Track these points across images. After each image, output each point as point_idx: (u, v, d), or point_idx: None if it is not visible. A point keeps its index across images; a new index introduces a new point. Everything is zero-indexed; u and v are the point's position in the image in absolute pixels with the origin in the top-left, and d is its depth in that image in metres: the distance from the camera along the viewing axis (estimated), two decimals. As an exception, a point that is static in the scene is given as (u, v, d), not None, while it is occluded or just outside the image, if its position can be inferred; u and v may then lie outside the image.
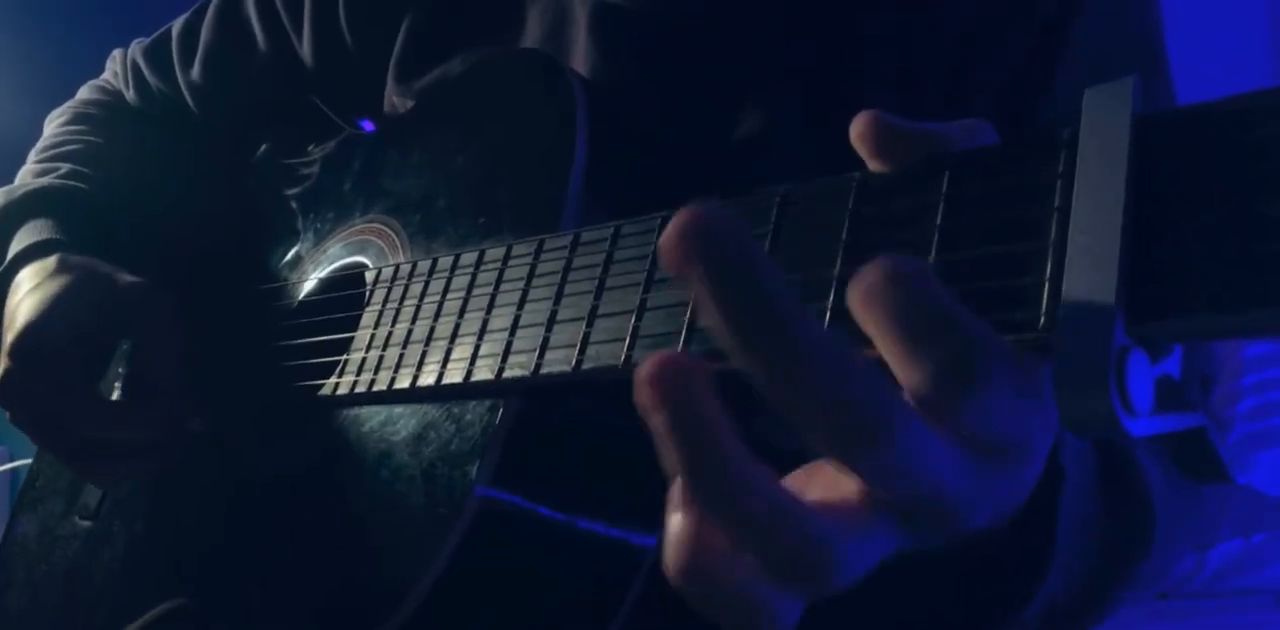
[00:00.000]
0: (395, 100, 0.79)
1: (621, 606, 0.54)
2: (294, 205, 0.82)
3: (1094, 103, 0.32)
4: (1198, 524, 0.58)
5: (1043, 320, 0.31)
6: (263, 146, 0.91)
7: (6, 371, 0.69)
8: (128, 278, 0.73)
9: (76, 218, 0.82)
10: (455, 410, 0.54)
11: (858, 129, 0.37)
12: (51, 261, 0.75)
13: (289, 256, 0.79)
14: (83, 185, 0.86)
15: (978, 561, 0.43)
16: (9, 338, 0.70)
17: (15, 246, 0.79)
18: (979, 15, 0.61)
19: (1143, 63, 0.63)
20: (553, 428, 0.53)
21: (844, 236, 0.38)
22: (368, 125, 0.84)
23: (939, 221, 0.35)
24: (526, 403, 0.52)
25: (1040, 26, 0.60)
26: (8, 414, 0.70)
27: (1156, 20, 0.64)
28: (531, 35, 0.71)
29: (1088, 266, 0.30)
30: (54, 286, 0.72)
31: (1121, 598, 0.50)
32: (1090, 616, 0.50)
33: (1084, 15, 0.60)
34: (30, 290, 0.73)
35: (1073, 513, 0.43)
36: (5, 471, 1.56)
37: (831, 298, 0.37)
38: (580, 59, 0.68)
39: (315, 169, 0.83)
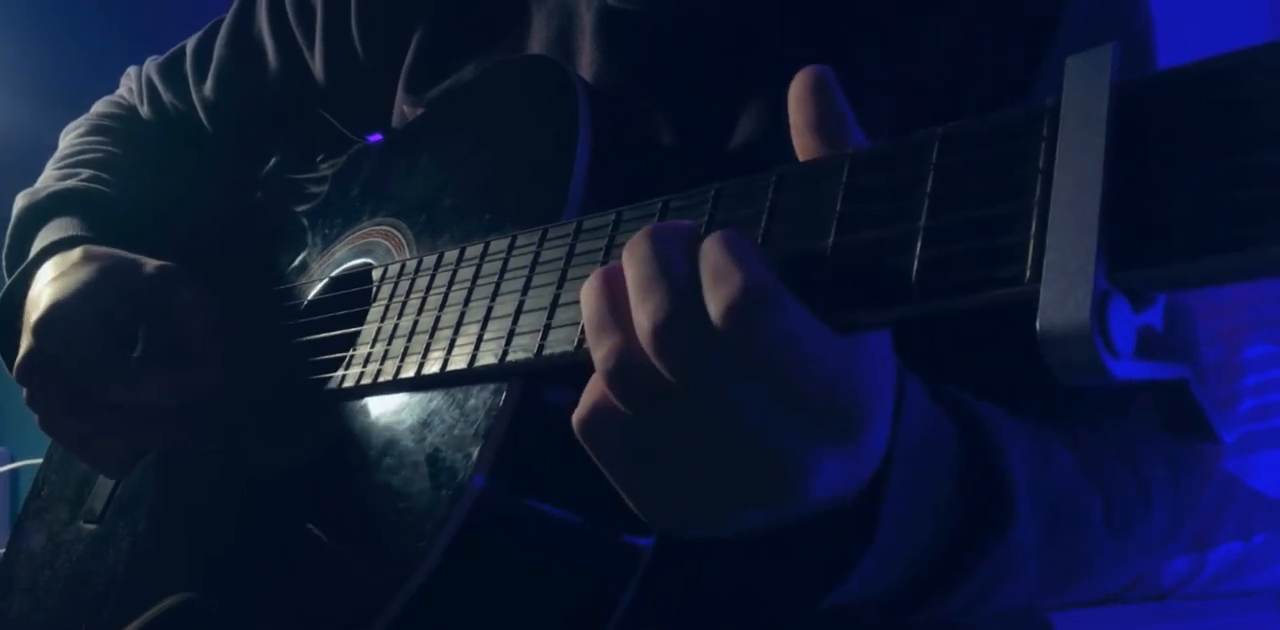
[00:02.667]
0: (406, 110, 0.81)
1: (620, 600, 0.54)
2: (302, 216, 0.84)
3: (1075, 70, 0.34)
4: (1138, 522, 0.60)
5: (1028, 274, 0.32)
6: (272, 160, 0.93)
7: (30, 349, 0.69)
8: (154, 262, 0.75)
9: (99, 217, 0.84)
10: (459, 396, 0.55)
11: (803, 86, 0.41)
12: (75, 253, 0.76)
13: (297, 262, 0.81)
14: (105, 189, 0.87)
15: (807, 538, 0.46)
16: (33, 317, 0.71)
17: (39, 243, 0.81)
18: (975, 16, 0.62)
19: (1132, 62, 0.65)
20: (554, 415, 0.54)
21: (838, 207, 0.39)
22: (376, 138, 0.86)
23: (929, 188, 0.37)
24: (530, 389, 0.52)
25: (1030, 27, 0.62)
26: (24, 394, 0.71)
27: (1147, 22, 0.66)
28: (538, 40, 0.73)
29: (1070, 220, 0.31)
30: (81, 273, 0.73)
31: (979, 578, 0.52)
32: (945, 592, 0.52)
33: (1066, 22, 0.62)
34: (55, 278, 0.74)
35: (900, 502, 0.46)
36: (5, 472, 1.56)
37: (828, 267, 0.38)
38: (586, 63, 0.70)
39: (323, 182, 0.84)
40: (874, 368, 0.39)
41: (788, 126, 0.65)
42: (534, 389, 0.52)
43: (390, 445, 0.57)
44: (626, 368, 0.39)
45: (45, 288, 0.74)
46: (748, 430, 0.38)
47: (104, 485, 0.82)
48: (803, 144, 0.42)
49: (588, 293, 0.42)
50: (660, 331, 0.38)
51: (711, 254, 0.38)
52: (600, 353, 0.40)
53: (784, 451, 0.38)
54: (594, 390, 0.42)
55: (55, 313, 0.70)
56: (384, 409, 0.60)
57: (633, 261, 0.40)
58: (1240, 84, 0.30)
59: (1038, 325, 0.31)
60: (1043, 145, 0.34)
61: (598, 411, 0.41)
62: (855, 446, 0.39)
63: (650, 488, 0.42)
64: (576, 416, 0.42)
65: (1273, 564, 1.49)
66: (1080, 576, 0.59)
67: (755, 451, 0.38)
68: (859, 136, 0.42)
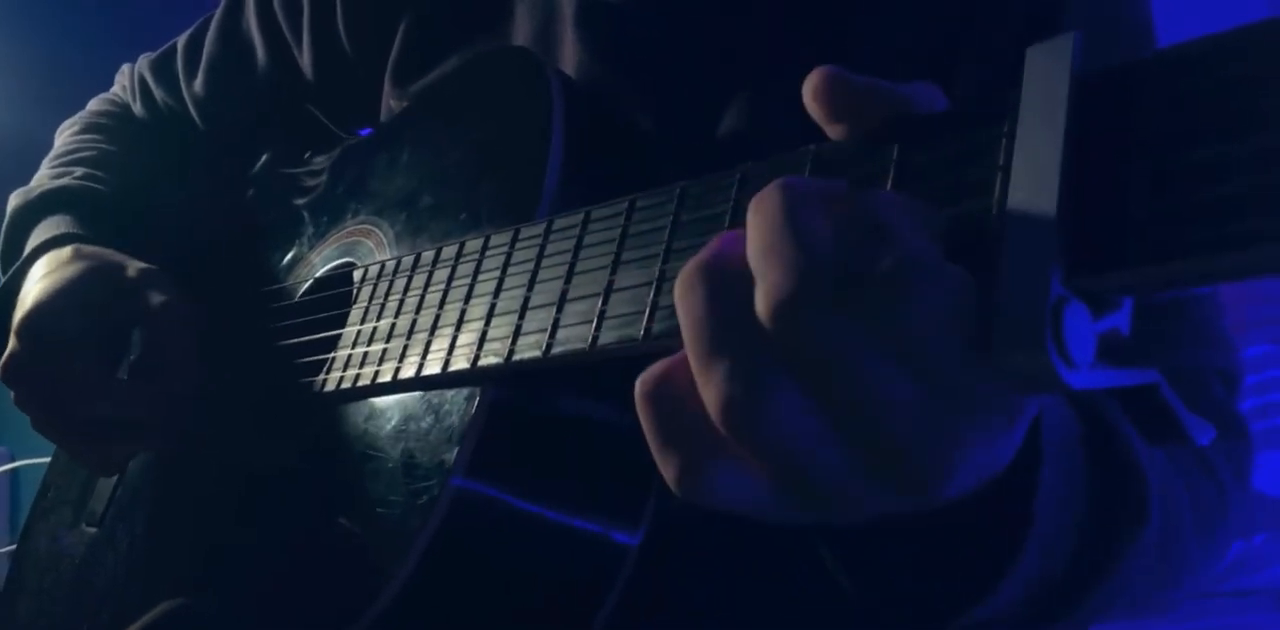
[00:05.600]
0: (393, 104, 0.80)
1: (606, 601, 0.53)
2: (292, 212, 0.83)
3: (1035, 61, 0.32)
4: (1217, 515, 0.57)
5: (989, 278, 0.31)
6: (263, 156, 0.93)
7: (14, 351, 0.69)
8: (140, 264, 0.74)
9: (93, 216, 0.83)
10: (434, 401, 0.54)
11: (810, 87, 0.36)
12: (66, 251, 0.76)
13: (287, 261, 0.80)
14: (98, 187, 0.87)
15: (953, 536, 0.42)
16: (17, 317, 0.70)
17: (32, 242, 0.80)
18: (965, 11, 0.61)
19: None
20: (531, 418, 0.53)
21: (798, 207, 0.38)
22: (366, 133, 0.85)
23: (889, 187, 0.35)
24: (504, 392, 0.52)
25: (1024, 22, 0.60)
26: (11, 395, 0.71)
27: (1148, 18, 0.64)
28: (521, 33, 0.72)
29: (1026, 221, 0.30)
30: (67, 272, 0.73)
31: (1124, 576, 0.48)
32: (1089, 597, 0.48)
33: (1069, 13, 0.60)
34: (43, 276, 0.74)
35: (1053, 487, 0.42)
36: (5, 471, 1.57)
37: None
38: (568, 56, 0.68)
39: (313, 178, 0.84)
40: None
41: (771, 120, 0.64)
42: (507, 393, 0.52)
43: (370, 450, 0.57)
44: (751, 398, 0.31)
45: (33, 286, 0.74)
46: (889, 422, 0.31)
47: (104, 487, 0.83)
48: (833, 132, 0.38)
49: (686, 294, 0.34)
50: (783, 306, 0.31)
51: (867, 214, 0.32)
52: (711, 387, 0.32)
53: (929, 442, 0.31)
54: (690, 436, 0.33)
55: (36, 313, 0.70)
56: (364, 413, 0.59)
57: (760, 220, 0.33)
58: (1207, 72, 0.29)
59: (990, 333, 0.29)
60: (1003, 141, 0.32)
61: (710, 463, 0.33)
62: (1000, 435, 0.32)
63: (772, 512, 0.34)
64: (671, 475, 0.33)
65: (1273, 563, 1.47)
66: (1174, 580, 0.55)
67: (895, 442, 0.31)
68: (904, 92, 0.36)
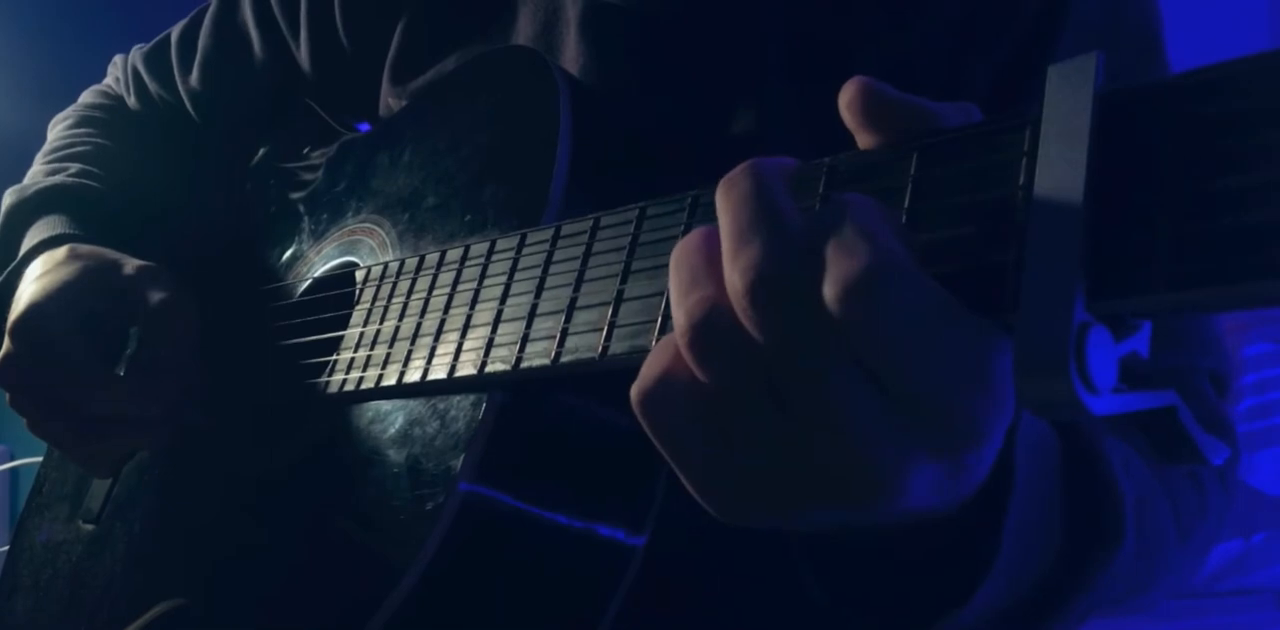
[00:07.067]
0: (391, 102, 0.80)
1: (610, 605, 0.53)
2: (291, 208, 0.82)
3: (1057, 80, 0.32)
4: (1198, 522, 0.58)
5: (1009, 301, 0.31)
6: (260, 151, 0.92)
7: (8, 353, 0.69)
8: (137, 261, 0.73)
9: (88, 214, 0.82)
10: (440, 406, 0.54)
11: (846, 97, 0.36)
12: (61, 251, 0.75)
13: (285, 258, 0.79)
14: (94, 184, 0.86)
15: (919, 553, 0.42)
16: (11, 319, 0.70)
17: (28, 242, 0.79)
18: (970, 13, 0.61)
19: (1142, 58, 0.63)
20: (538, 423, 0.53)
21: (814, 221, 0.37)
22: (364, 128, 0.84)
23: (906, 204, 0.35)
24: (511, 397, 0.51)
25: (1030, 24, 0.60)
26: (7, 397, 0.70)
27: (1156, 17, 0.64)
28: (523, 34, 0.71)
29: (1049, 244, 0.30)
30: (63, 272, 0.72)
31: (1097, 591, 0.49)
32: (1060, 608, 0.49)
33: (1074, 12, 0.60)
34: (38, 277, 0.73)
35: (1024, 509, 0.42)
36: (5, 470, 1.56)
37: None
38: (571, 57, 0.68)
39: (311, 173, 0.83)
40: (1005, 378, 0.32)
41: (779, 120, 0.64)
42: (513, 400, 0.51)
43: (374, 454, 0.57)
44: (712, 325, 0.33)
45: (27, 287, 0.73)
46: (838, 423, 0.32)
47: (100, 484, 0.82)
48: (863, 141, 0.38)
49: (683, 249, 0.36)
50: (755, 286, 0.32)
51: (838, 218, 0.32)
52: (683, 308, 0.34)
53: (875, 454, 0.32)
54: (663, 355, 0.36)
55: (31, 313, 0.69)
56: (368, 416, 0.59)
57: (730, 201, 0.34)
58: (1236, 96, 0.28)
59: (1012, 357, 0.29)
60: (1024, 160, 0.32)
61: (666, 380, 0.35)
62: (957, 461, 0.33)
63: (712, 473, 0.35)
64: (637, 387, 0.36)
65: (1272, 562, 1.48)
66: (1153, 585, 0.56)
67: (842, 449, 0.32)
68: (935, 109, 0.36)
